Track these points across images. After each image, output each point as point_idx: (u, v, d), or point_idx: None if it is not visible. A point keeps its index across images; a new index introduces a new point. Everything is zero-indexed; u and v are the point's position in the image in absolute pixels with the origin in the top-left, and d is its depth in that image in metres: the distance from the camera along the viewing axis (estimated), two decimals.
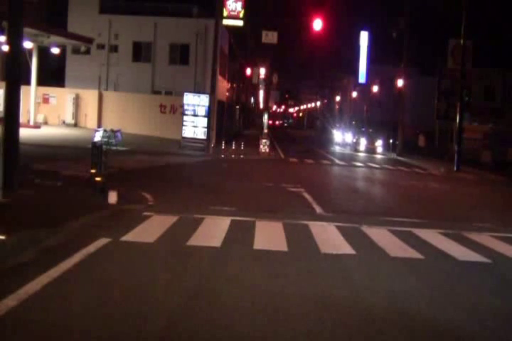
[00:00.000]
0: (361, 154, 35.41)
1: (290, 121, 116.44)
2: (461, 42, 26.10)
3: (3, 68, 10.08)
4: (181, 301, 5.26)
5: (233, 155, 26.00)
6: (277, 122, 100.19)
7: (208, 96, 26.87)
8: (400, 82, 37.27)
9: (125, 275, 6.06)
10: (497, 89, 45.96)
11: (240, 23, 27.56)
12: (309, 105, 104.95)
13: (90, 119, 32.92)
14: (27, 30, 16.86)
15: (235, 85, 49.58)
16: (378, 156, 34.67)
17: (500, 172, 25.61)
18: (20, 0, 10.10)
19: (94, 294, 5.35)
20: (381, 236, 9.13)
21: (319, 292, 5.85)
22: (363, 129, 39.59)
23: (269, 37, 29.35)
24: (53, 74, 35.60)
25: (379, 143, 36.99)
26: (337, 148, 40.72)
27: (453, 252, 8.15)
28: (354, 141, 39.86)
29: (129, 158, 20.08)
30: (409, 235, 9.36)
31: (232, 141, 31.83)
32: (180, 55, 35.42)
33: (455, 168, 25.29)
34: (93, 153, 12.01)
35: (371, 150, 36.65)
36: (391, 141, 36.82)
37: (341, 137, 43.60)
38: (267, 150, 29.62)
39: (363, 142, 37.66)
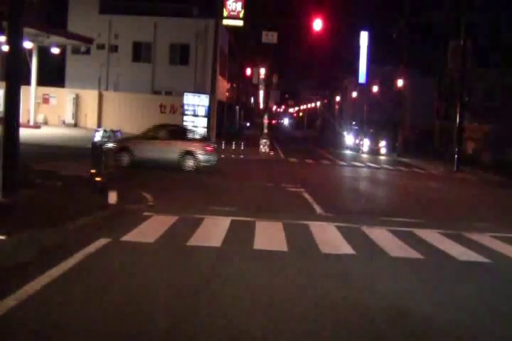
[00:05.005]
0: (364, 155, 35.33)
1: (286, 120, 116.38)
2: (461, 42, 26.10)
3: (3, 68, 10.07)
4: (181, 301, 5.26)
5: (233, 155, 25.99)
6: (274, 121, 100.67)
7: (207, 96, 26.89)
8: (400, 82, 37.25)
9: (125, 276, 6.06)
10: (497, 89, 45.89)
11: (240, 23, 27.56)
12: (309, 105, 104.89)
13: (90, 119, 32.92)
14: (27, 30, 16.85)
15: (235, 85, 49.58)
16: (380, 157, 34.64)
17: (499, 172, 25.60)
18: (21, 0, 10.10)
19: (94, 294, 5.34)
20: (381, 236, 9.14)
21: (319, 292, 5.85)
22: (371, 130, 38.98)
23: (269, 37, 29.36)
24: (53, 74, 35.59)
25: (383, 144, 36.76)
26: (344, 151, 39.74)
27: (453, 252, 8.16)
28: (357, 142, 39.50)
29: None
30: (409, 235, 9.36)
31: (232, 141, 31.82)
32: (180, 55, 35.43)
33: (455, 168, 25.30)
34: (93, 153, 12.01)
35: (375, 151, 36.47)
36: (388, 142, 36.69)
37: (352, 140, 42.19)
38: (267, 150, 29.65)
39: (367, 143, 37.35)
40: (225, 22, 27.69)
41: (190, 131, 18.91)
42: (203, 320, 4.77)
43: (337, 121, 63.19)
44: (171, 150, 17.34)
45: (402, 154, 34.67)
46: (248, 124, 70.60)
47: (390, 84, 41.18)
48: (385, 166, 27.52)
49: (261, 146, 29.45)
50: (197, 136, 18.51)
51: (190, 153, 17.46)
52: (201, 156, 17.48)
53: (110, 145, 17.35)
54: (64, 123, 32.89)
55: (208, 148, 17.77)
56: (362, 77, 48.70)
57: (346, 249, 7.99)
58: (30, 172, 12.28)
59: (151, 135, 18.01)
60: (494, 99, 45.45)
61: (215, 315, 4.92)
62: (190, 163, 17.47)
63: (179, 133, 18.48)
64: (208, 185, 14.97)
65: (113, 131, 24.71)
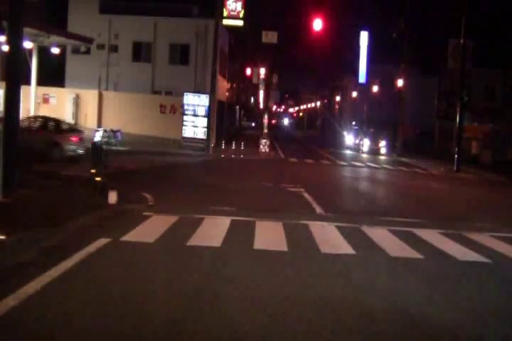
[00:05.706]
0: (364, 155, 35.34)
1: (286, 120, 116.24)
2: (461, 42, 26.11)
3: (3, 68, 10.07)
4: (181, 301, 5.26)
5: (233, 155, 26.00)
6: (274, 121, 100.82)
7: (207, 96, 26.89)
8: (400, 82, 37.24)
9: (125, 275, 6.06)
10: (497, 89, 45.91)
11: (240, 23, 27.55)
12: (309, 105, 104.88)
13: (90, 119, 32.89)
14: (27, 30, 16.85)
15: (235, 85, 49.57)
16: (379, 157, 34.64)
17: (499, 172, 25.61)
18: (21, 0, 10.10)
19: (94, 294, 5.35)
20: (381, 236, 9.14)
21: (319, 292, 5.85)
22: (371, 130, 39.04)
23: (269, 37, 29.38)
24: (53, 74, 35.54)
25: (383, 144, 36.76)
26: (344, 151, 39.61)
27: (453, 252, 8.15)
28: (357, 142, 39.46)
29: (129, 158, 20.07)
30: (409, 235, 9.36)
31: (232, 140, 31.84)
32: (180, 55, 35.41)
33: (455, 168, 25.31)
34: (93, 153, 12.02)
35: (375, 151, 36.47)
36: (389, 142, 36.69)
37: (352, 140, 42.02)
38: (267, 150, 29.65)
39: (367, 143, 37.36)
40: (225, 22, 27.69)
41: (60, 122, 19.10)
42: (203, 320, 4.77)
43: (337, 121, 63.18)
44: (38, 141, 17.27)
45: (402, 154, 34.66)
46: (253, 124, 71.11)
47: (390, 84, 41.19)
48: (385, 166, 27.52)
49: (261, 146, 29.45)
50: (66, 127, 18.72)
51: (56, 144, 17.66)
52: (66, 147, 17.75)
53: None
54: None
55: (74, 139, 17.99)
56: (362, 77, 48.70)
57: (346, 248, 7.99)
58: (30, 172, 12.29)
59: (22, 126, 18.10)
60: (494, 99, 45.48)
61: (215, 315, 4.92)
62: (56, 153, 17.61)
63: (48, 124, 18.60)
64: (208, 185, 14.97)
65: (113, 131, 24.79)
